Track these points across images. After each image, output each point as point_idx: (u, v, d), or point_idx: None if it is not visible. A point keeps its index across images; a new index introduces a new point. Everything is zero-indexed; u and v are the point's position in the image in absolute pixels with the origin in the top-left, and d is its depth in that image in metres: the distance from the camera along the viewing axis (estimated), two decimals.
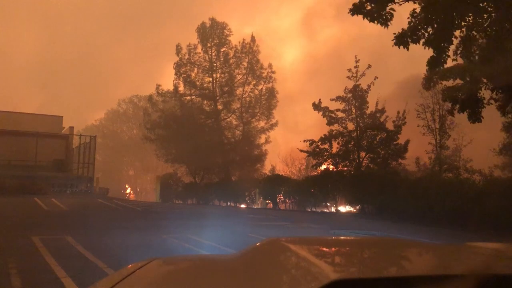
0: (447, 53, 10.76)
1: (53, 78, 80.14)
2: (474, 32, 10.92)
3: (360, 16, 10.31)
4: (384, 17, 10.15)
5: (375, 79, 24.74)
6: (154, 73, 79.53)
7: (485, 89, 13.58)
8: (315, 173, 26.09)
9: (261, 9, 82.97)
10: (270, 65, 33.88)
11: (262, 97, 33.80)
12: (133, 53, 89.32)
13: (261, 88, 33.87)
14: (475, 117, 13.10)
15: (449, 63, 13.15)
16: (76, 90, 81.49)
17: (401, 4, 10.38)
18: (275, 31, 75.26)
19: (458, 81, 14.36)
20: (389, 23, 10.21)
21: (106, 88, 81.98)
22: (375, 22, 10.25)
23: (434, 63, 10.95)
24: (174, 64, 33.88)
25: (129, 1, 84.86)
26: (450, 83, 14.58)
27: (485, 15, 10.26)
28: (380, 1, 10.04)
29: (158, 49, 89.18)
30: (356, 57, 24.85)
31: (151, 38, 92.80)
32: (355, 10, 10.19)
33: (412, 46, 10.65)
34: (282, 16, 76.18)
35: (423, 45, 10.52)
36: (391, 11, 10.19)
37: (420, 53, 11.32)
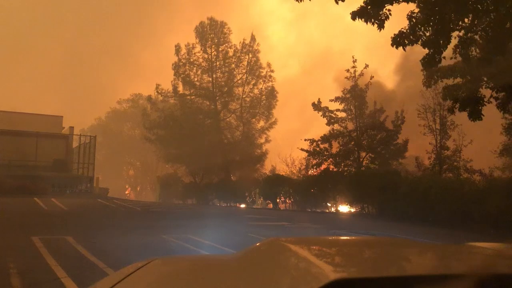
0: (442, 54, 10.74)
1: (53, 78, 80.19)
2: (472, 33, 10.91)
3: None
4: (380, 18, 10.13)
5: (371, 79, 24.86)
6: (154, 73, 79.54)
7: (485, 88, 13.58)
8: (315, 173, 26.11)
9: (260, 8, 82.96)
10: (269, 64, 33.82)
11: (262, 97, 33.74)
12: (133, 52, 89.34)
13: (261, 88, 33.84)
14: (475, 115, 13.08)
15: (450, 61, 13.16)
16: (76, 89, 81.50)
17: (399, 3, 10.35)
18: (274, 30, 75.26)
19: (458, 79, 14.37)
20: (383, 25, 10.20)
21: (107, 88, 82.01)
22: (371, 23, 10.23)
23: (429, 63, 10.94)
24: (172, 64, 33.88)
25: (129, 1, 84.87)
26: (450, 81, 14.58)
27: (485, 16, 10.25)
28: (378, 3, 10.00)
29: (158, 48, 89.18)
30: (353, 57, 24.94)
31: (151, 38, 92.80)
32: (357, 14, 10.16)
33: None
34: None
35: (421, 46, 10.51)
36: (388, 12, 10.18)
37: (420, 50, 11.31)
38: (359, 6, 10.22)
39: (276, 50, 71.55)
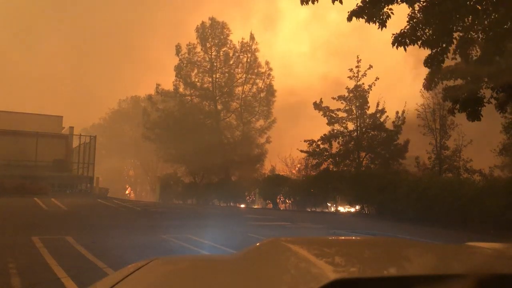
0: (446, 54, 10.74)
1: (54, 77, 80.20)
2: (472, 33, 10.91)
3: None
4: (381, 17, 10.14)
5: (376, 80, 24.77)
6: (154, 72, 79.52)
7: (485, 88, 13.59)
8: (315, 173, 26.10)
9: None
10: (267, 63, 33.87)
11: (261, 94, 33.79)
12: (133, 52, 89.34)
13: (260, 86, 33.89)
14: (474, 116, 13.13)
15: (450, 62, 13.17)
16: (77, 89, 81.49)
17: (399, 4, 10.37)
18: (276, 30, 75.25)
19: (458, 80, 14.37)
20: (385, 24, 10.20)
21: (108, 88, 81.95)
22: (373, 23, 10.24)
23: (432, 62, 10.94)
24: (174, 66, 33.90)
25: (130, 1, 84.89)
26: (450, 82, 14.59)
27: (484, 16, 10.25)
28: (378, 3, 10.01)
29: (158, 48, 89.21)
30: (358, 57, 24.90)
31: (153, 37, 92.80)
32: (355, 13, 10.16)
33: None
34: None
35: (421, 45, 10.52)
36: (389, 11, 10.19)
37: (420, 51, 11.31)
38: (356, 6, 10.22)
39: (278, 48, 71.56)
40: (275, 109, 34.28)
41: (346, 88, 25.30)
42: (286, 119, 54.58)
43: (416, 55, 31.82)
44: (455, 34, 10.63)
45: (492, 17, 10.16)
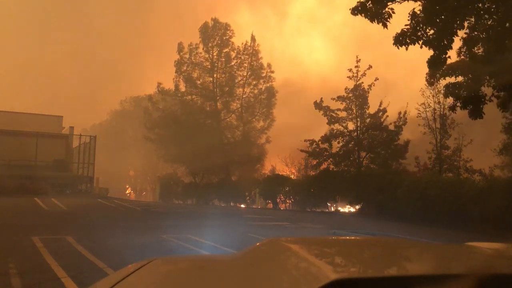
0: (447, 54, 10.76)
1: (54, 77, 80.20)
2: (475, 32, 10.92)
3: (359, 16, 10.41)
4: (383, 16, 10.17)
5: (375, 80, 24.77)
6: (155, 73, 79.51)
7: (487, 86, 13.60)
8: (315, 173, 26.09)
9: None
10: (269, 65, 34.05)
11: (262, 96, 33.85)
12: (134, 52, 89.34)
13: (261, 88, 34.01)
14: (476, 114, 13.13)
15: (452, 60, 13.18)
16: (78, 89, 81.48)
17: (401, 3, 10.40)
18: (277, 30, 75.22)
19: (460, 77, 14.39)
20: (388, 23, 10.23)
21: (109, 88, 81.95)
22: (375, 21, 10.27)
23: (434, 63, 10.96)
24: (174, 62, 33.96)
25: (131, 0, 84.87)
26: (452, 79, 14.62)
27: (486, 15, 10.26)
28: (380, 2, 10.05)
29: (159, 48, 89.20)
30: (357, 57, 24.91)
31: (152, 37, 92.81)
32: (357, 10, 10.19)
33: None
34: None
35: (422, 45, 10.53)
36: (390, 11, 10.22)
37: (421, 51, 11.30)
38: (358, 2, 10.25)
39: (279, 48, 71.52)
40: (277, 108, 34.43)
41: (345, 88, 25.35)
42: (287, 118, 54.52)
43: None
44: (459, 33, 10.66)
45: (494, 16, 10.17)
